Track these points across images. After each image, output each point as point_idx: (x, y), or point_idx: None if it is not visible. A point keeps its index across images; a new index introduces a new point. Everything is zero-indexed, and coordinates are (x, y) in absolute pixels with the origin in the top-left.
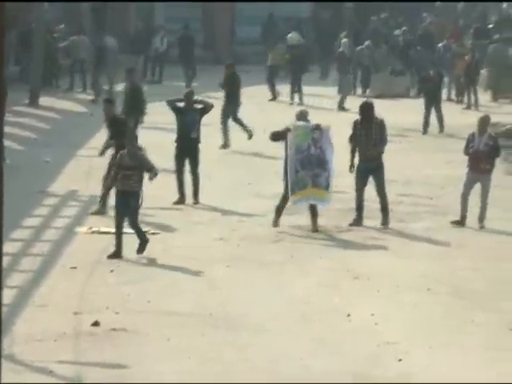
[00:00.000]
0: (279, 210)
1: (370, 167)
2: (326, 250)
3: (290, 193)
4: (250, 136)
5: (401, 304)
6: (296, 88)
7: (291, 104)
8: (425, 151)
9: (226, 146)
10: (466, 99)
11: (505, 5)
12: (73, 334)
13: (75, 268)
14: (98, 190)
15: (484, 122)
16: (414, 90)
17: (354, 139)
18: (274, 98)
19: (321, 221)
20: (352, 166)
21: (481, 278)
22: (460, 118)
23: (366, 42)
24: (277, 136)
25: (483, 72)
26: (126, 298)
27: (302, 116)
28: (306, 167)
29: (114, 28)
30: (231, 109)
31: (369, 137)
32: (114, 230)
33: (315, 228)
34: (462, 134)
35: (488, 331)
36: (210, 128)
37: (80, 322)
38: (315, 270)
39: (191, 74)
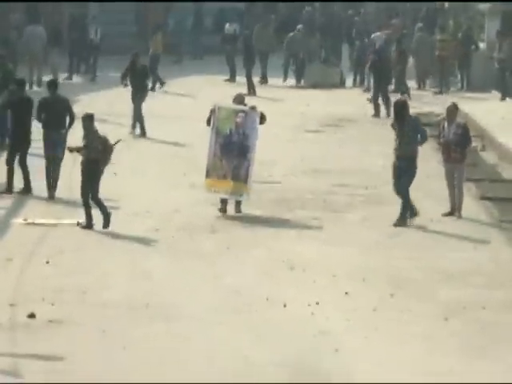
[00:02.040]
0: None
1: (401, 166)
2: (261, 240)
3: (205, 174)
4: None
5: (337, 294)
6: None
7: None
8: (360, 141)
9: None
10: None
11: None
12: (8, 325)
13: (11, 260)
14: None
15: (451, 111)
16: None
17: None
18: (162, 85)
19: (256, 211)
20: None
21: (416, 268)
22: None
23: (299, 26)
24: (208, 120)
25: (410, 61)
26: (62, 289)
27: (238, 100)
28: (227, 156)
29: (46, 18)
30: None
31: (401, 135)
32: (48, 222)
33: (238, 211)
34: None
35: (424, 321)
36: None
37: (16, 314)
38: (251, 260)
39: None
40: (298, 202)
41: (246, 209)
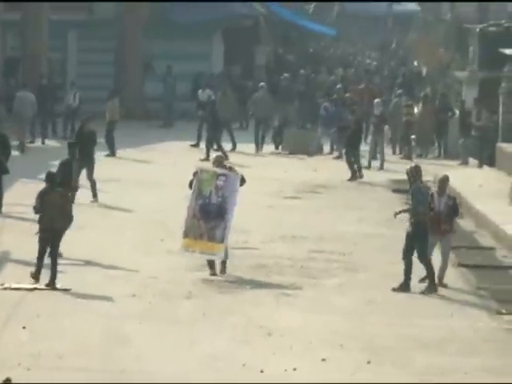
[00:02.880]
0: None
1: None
2: (238, 306)
3: (182, 235)
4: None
5: (314, 360)
6: (213, 145)
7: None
8: (337, 207)
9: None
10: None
11: (416, 62)
12: None
13: None
14: (7, 244)
15: (443, 182)
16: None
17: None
18: (113, 154)
19: (234, 277)
20: None
21: (392, 335)
22: (376, 174)
23: (261, 84)
24: (191, 184)
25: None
26: (38, 354)
27: (217, 161)
28: (205, 217)
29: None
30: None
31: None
32: (25, 286)
33: (222, 270)
34: (373, 191)
35: None
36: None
37: None
38: (228, 326)
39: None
40: (275, 268)
41: (222, 276)
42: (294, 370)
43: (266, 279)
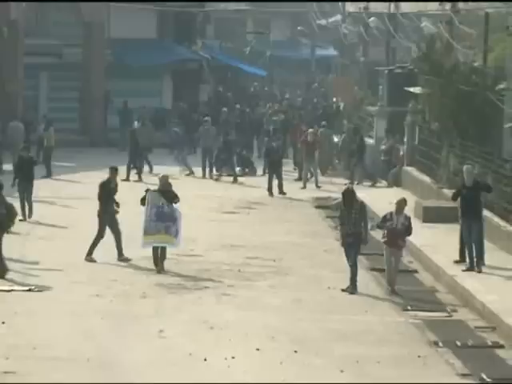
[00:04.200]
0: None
1: (349, 241)
2: (185, 304)
3: (142, 236)
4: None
5: (249, 350)
6: (131, 167)
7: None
8: (269, 221)
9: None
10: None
11: (334, 99)
12: None
13: None
14: None
15: (401, 204)
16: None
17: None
18: (49, 175)
19: (180, 280)
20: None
21: (316, 328)
22: (301, 192)
23: (206, 118)
24: (142, 199)
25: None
26: (15, 345)
27: (163, 181)
28: (160, 219)
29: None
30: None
31: (349, 217)
32: (3, 288)
33: (161, 268)
34: (299, 207)
35: (323, 373)
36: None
37: None
38: (177, 321)
39: None
40: (216, 272)
41: (172, 279)
42: (233, 358)
43: (209, 281)
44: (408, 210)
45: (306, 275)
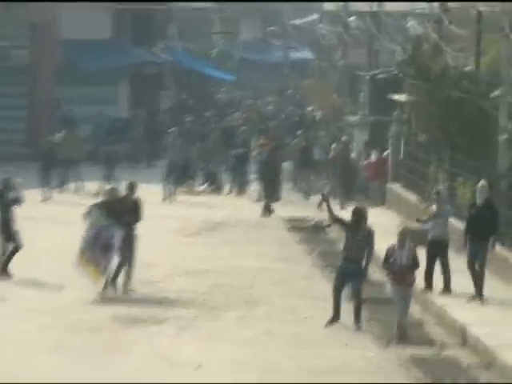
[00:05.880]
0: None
1: (348, 268)
2: (143, 338)
3: (79, 252)
4: None
5: None
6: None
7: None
8: (237, 243)
9: None
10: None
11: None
12: None
13: None
14: None
15: (403, 235)
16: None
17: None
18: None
19: (137, 310)
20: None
21: (289, 364)
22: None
23: (172, 129)
24: (85, 214)
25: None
26: None
27: (111, 193)
28: (94, 244)
29: None
30: None
31: (353, 241)
32: None
33: (125, 291)
34: (271, 228)
35: None
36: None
37: None
38: (133, 357)
39: None
40: (178, 301)
41: (128, 309)
42: None
43: (170, 312)
44: (391, 232)
45: (279, 304)
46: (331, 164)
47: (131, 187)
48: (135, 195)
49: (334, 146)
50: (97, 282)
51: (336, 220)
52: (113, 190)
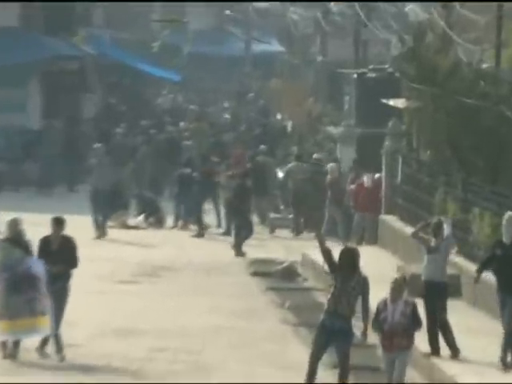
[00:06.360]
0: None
1: (334, 326)
2: None
3: None
4: None
5: None
6: None
7: None
8: (183, 294)
9: None
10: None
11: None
12: None
13: None
14: None
15: (399, 285)
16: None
17: None
18: None
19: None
20: None
21: None
22: (225, 254)
23: (96, 145)
24: None
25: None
26: None
27: (12, 225)
28: (17, 291)
29: None
30: None
31: (344, 289)
32: None
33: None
34: (228, 274)
35: None
36: None
37: None
38: None
39: None
40: (105, 371)
41: (46, 378)
42: None
43: None
44: (385, 280)
45: (237, 374)
46: (325, 191)
47: (57, 223)
48: (64, 233)
49: (331, 165)
50: (42, 326)
51: (328, 256)
52: (14, 222)
